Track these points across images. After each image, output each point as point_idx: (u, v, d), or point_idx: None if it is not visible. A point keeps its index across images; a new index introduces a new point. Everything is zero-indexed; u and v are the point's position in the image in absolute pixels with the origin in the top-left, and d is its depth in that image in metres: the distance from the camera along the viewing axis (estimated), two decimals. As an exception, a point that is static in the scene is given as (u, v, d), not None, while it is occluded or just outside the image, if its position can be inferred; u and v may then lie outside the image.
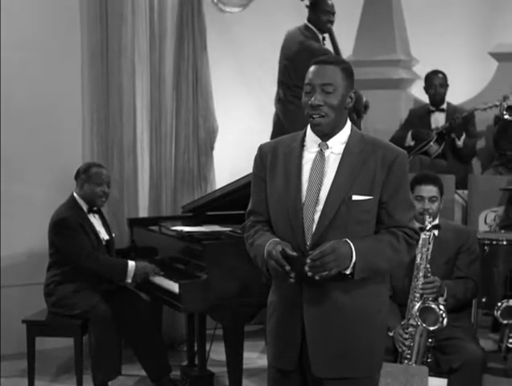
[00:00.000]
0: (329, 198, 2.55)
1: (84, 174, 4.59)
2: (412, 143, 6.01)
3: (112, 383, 4.44)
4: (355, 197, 2.54)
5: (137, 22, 5.38)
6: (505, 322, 3.89)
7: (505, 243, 4.34)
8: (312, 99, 2.55)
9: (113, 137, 5.36)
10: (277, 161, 2.65)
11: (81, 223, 4.50)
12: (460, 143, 5.94)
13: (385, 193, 2.57)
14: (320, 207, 2.55)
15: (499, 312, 3.88)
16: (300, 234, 2.55)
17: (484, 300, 4.21)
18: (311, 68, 2.59)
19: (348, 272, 2.50)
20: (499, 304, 3.89)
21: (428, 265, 3.70)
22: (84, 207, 4.59)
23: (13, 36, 5.17)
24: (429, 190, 3.90)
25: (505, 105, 5.67)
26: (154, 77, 5.49)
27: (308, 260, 2.46)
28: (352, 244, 2.49)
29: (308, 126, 2.65)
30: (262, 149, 2.73)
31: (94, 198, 4.58)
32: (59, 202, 4.64)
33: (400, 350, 3.64)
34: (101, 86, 5.35)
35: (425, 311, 3.62)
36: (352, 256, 2.48)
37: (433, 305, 3.61)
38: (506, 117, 5.67)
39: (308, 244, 2.55)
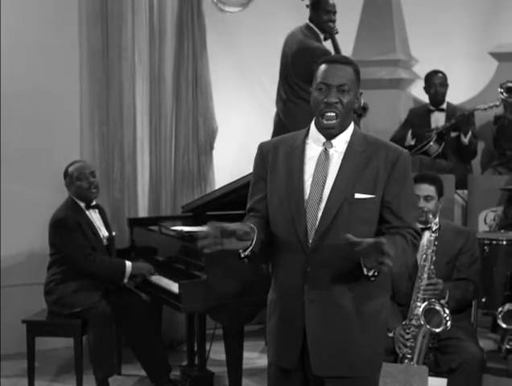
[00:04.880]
0: (332, 195, 2.54)
1: (67, 177, 4.61)
2: (413, 142, 6.00)
3: (112, 383, 4.45)
4: (357, 195, 2.54)
5: (137, 22, 5.38)
6: (504, 326, 3.88)
7: (505, 243, 4.33)
8: (328, 97, 2.54)
9: (113, 138, 5.36)
10: (278, 160, 2.65)
11: (79, 221, 4.50)
12: (466, 140, 5.92)
13: (388, 192, 2.56)
14: (322, 205, 2.55)
15: (501, 316, 3.86)
16: (303, 232, 2.54)
17: (484, 300, 4.20)
18: (325, 67, 2.57)
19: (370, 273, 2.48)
20: (500, 309, 3.88)
21: (432, 267, 3.69)
22: (82, 205, 4.59)
23: (12, 36, 5.17)
24: (424, 188, 3.85)
25: (507, 86, 5.70)
26: (154, 77, 5.49)
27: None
28: None
29: (312, 124, 2.64)
30: (262, 147, 2.72)
31: (84, 192, 4.57)
32: (58, 202, 4.64)
33: (399, 352, 3.63)
34: (100, 86, 5.35)
35: (429, 313, 3.60)
36: None
37: (438, 307, 3.59)
38: (502, 97, 5.70)
39: (310, 242, 2.54)
